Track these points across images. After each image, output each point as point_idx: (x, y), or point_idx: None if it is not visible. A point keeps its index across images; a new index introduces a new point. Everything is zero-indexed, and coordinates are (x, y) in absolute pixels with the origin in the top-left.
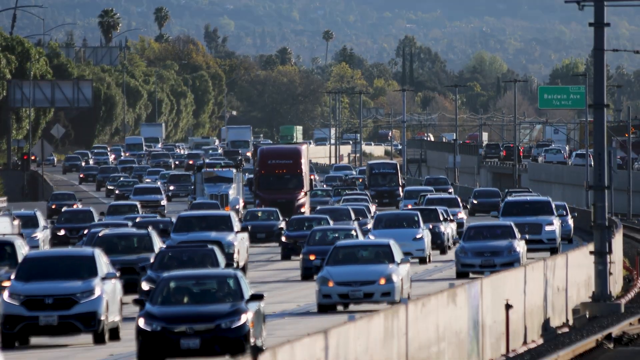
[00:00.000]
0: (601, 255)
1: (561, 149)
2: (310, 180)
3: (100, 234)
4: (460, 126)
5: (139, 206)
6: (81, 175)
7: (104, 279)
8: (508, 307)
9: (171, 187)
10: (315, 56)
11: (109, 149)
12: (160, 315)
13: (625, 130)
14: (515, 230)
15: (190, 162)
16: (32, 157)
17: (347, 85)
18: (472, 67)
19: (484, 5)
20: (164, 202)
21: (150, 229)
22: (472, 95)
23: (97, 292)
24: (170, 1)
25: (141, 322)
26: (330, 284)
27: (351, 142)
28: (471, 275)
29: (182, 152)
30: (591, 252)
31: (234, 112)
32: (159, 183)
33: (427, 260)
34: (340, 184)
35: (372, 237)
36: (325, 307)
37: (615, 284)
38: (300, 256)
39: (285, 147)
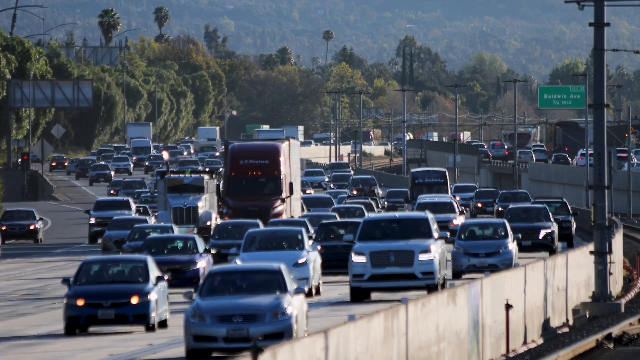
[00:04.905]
0: (601, 255)
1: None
2: (290, 184)
3: None
4: (461, 126)
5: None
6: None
7: None
8: (508, 307)
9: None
10: (315, 56)
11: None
12: None
13: (626, 130)
14: (287, 277)
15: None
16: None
17: (347, 85)
18: (472, 67)
19: (484, 5)
20: None
21: None
22: (472, 95)
23: None
24: (170, 1)
25: None
26: None
27: (352, 143)
28: (214, 354)
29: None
30: (591, 252)
31: (234, 112)
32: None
33: (314, 291)
34: (359, 193)
35: (239, 262)
36: None
37: (615, 284)
38: (64, 300)
39: (260, 145)
